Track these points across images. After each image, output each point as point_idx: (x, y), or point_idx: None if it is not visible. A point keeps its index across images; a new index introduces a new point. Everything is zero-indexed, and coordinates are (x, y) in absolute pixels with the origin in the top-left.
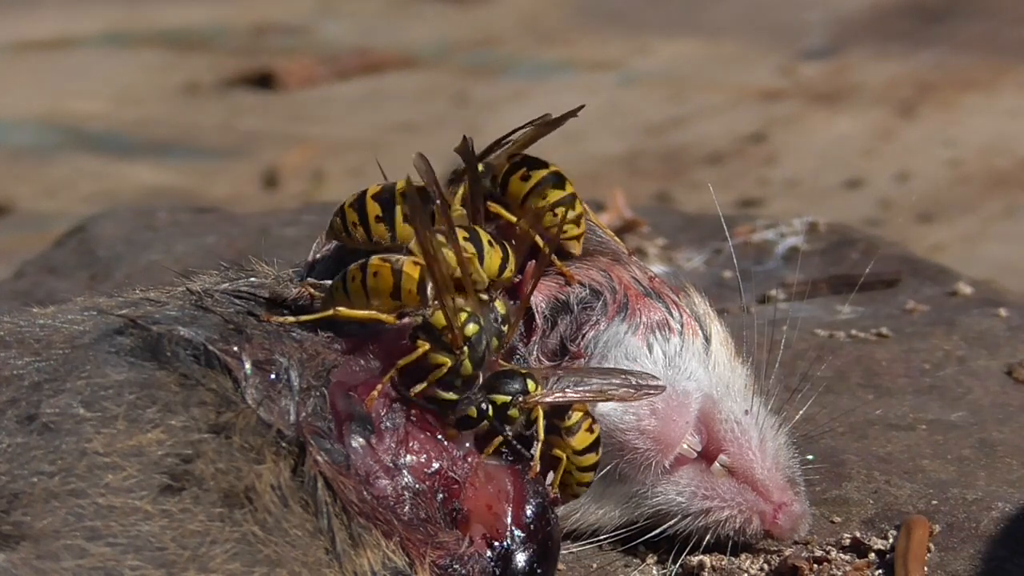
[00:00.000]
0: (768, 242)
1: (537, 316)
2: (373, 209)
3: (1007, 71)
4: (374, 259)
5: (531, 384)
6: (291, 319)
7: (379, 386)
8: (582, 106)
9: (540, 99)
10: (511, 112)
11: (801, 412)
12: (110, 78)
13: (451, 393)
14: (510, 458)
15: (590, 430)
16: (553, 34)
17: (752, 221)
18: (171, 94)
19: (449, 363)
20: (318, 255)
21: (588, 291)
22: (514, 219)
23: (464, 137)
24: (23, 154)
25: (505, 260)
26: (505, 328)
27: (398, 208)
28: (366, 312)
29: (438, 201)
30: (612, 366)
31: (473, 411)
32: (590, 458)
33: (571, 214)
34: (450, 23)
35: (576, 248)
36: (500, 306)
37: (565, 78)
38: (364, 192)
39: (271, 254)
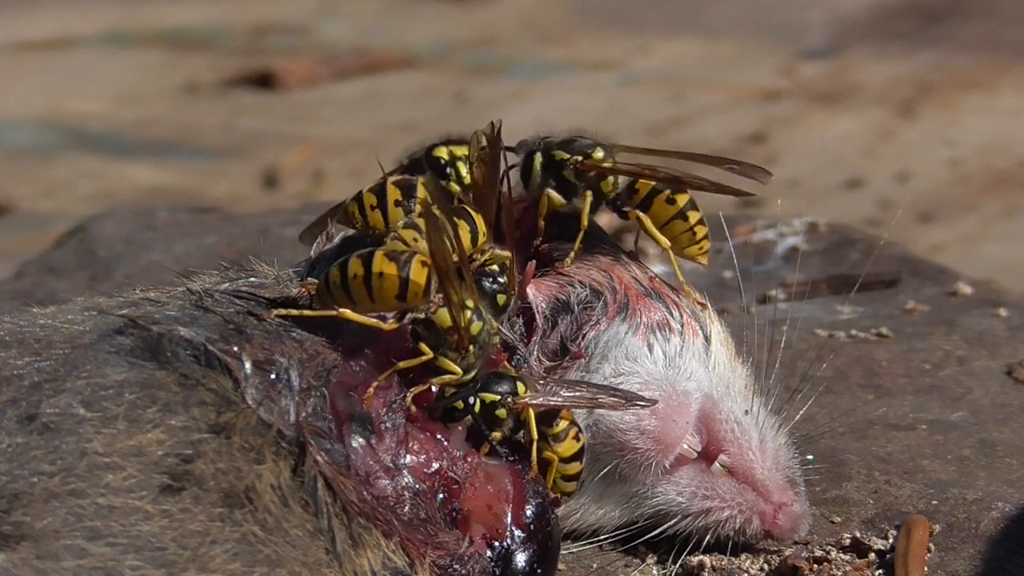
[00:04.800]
0: (768, 242)
1: (538, 316)
2: (393, 194)
3: (1007, 71)
4: (378, 257)
5: (520, 387)
6: (295, 312)
7: (375, 384)
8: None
9: (540, 99)
10: (511, 112)
11: (801, 412)
12: (110, 78)
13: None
14: (511, 458)
15: (576, 439)
16: (553, 34)
17: (752, 221)
18: (171, 94)
19: (459, 373)
20: (319, 254)
21: (588, 291)
22: (660, 237)
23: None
24: (23, 154)
25: (474, 233)
26: (504, 279)
27: (418, 196)
28: (369, 319)
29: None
30: (604, 382)
31: (460, 403)
32: (575, 467)
33: (704, 231)
34: (450, 23)
35: (706, 260)
36: (493, 263)
37: (565, 78)
38: (385, 178)
39: (271, 254)
